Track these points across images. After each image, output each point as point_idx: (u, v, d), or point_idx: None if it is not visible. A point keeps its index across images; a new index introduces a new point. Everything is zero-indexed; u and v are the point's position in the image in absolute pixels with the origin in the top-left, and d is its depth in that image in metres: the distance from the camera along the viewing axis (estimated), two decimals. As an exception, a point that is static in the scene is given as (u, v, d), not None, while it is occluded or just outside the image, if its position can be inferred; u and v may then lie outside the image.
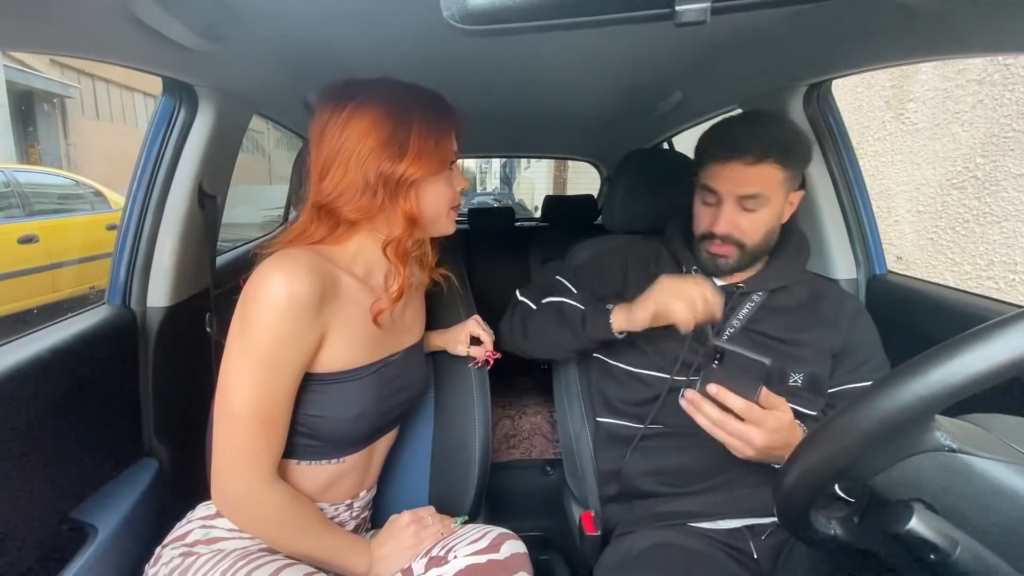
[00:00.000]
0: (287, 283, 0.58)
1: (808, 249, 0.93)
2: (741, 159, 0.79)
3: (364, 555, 0.72)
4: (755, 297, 0.86)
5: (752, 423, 0.64)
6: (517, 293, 1.03)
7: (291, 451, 0.67)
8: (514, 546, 0.71)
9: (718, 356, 0.69)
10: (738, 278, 0.88)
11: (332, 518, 0.75)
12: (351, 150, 0.63)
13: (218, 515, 0.70)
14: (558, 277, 1.04)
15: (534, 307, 0.97)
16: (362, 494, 0.79)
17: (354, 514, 0.79)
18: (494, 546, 0.70)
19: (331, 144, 0.65)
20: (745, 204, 0.81)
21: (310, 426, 0.67)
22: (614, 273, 0.98)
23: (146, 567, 0.68)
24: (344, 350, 0.66)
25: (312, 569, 0.67)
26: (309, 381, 0.65)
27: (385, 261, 0.70)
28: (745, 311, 0.85)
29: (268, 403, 0.60)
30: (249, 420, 0.60)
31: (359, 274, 0.70)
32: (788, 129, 0.82)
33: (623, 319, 0.82)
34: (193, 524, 0.70)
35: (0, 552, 0.67)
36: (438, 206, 0.71)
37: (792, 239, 0.90)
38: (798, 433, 0.67)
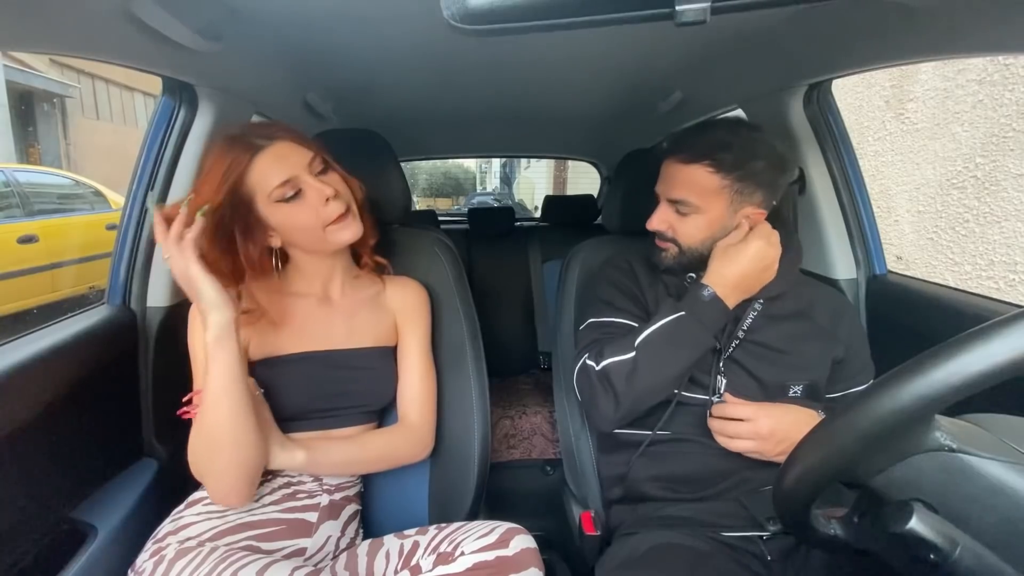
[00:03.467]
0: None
1: (801, 255, 0.91)
2: (675, 156, 0.81)
3: (287, 452, 0.74)
4: (756, 305, 0.84)
5: (752, 417, 0.75)
6: (586, 364, 0.82)
7: None
8: (523, 541, 0.70)
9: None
10: None
11: (302, 485, 0.79)
12: None
13: (187, 506, 0.74)
14: (597, 319, 0.89)
15: (631, 353, 0.77)
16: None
17: (333, 498, 0.80)
18: (503, 541, 0.68)
19: None
20: (677, 207, 0.83)
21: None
22: (628, 280, 0.93)
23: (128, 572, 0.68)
24: (262, 345, 0.78)
25: (298, 564, 0.67)
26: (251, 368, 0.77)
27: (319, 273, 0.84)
28: (749, 321, 0.83)
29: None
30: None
31: (290, 291, 0.82)
32: (743, 139, 0.78)
33: (730, 292, 0.77)
34: (165, 521, 0.73)
35: (0, 552, 0.67)
36: None
37: (790, 245, 0.87)
38: (806, 413, 0.77)
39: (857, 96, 2.60)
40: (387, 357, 0.88)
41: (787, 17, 0.80)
